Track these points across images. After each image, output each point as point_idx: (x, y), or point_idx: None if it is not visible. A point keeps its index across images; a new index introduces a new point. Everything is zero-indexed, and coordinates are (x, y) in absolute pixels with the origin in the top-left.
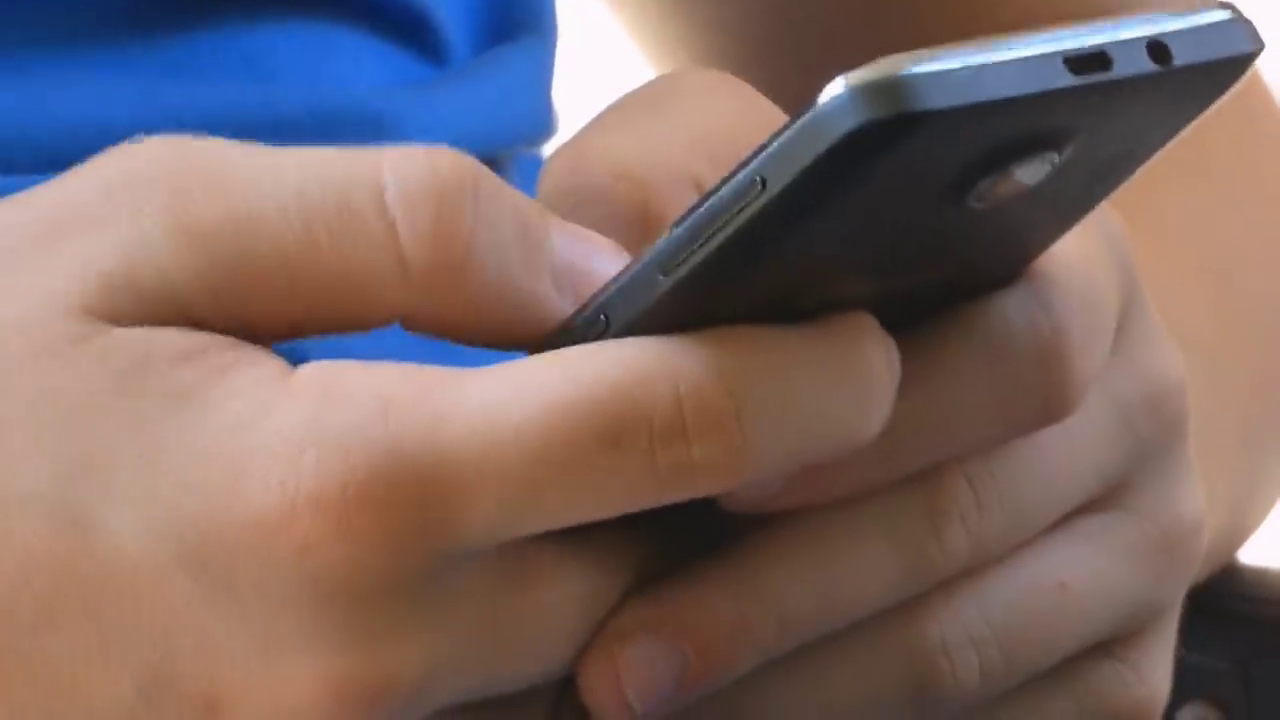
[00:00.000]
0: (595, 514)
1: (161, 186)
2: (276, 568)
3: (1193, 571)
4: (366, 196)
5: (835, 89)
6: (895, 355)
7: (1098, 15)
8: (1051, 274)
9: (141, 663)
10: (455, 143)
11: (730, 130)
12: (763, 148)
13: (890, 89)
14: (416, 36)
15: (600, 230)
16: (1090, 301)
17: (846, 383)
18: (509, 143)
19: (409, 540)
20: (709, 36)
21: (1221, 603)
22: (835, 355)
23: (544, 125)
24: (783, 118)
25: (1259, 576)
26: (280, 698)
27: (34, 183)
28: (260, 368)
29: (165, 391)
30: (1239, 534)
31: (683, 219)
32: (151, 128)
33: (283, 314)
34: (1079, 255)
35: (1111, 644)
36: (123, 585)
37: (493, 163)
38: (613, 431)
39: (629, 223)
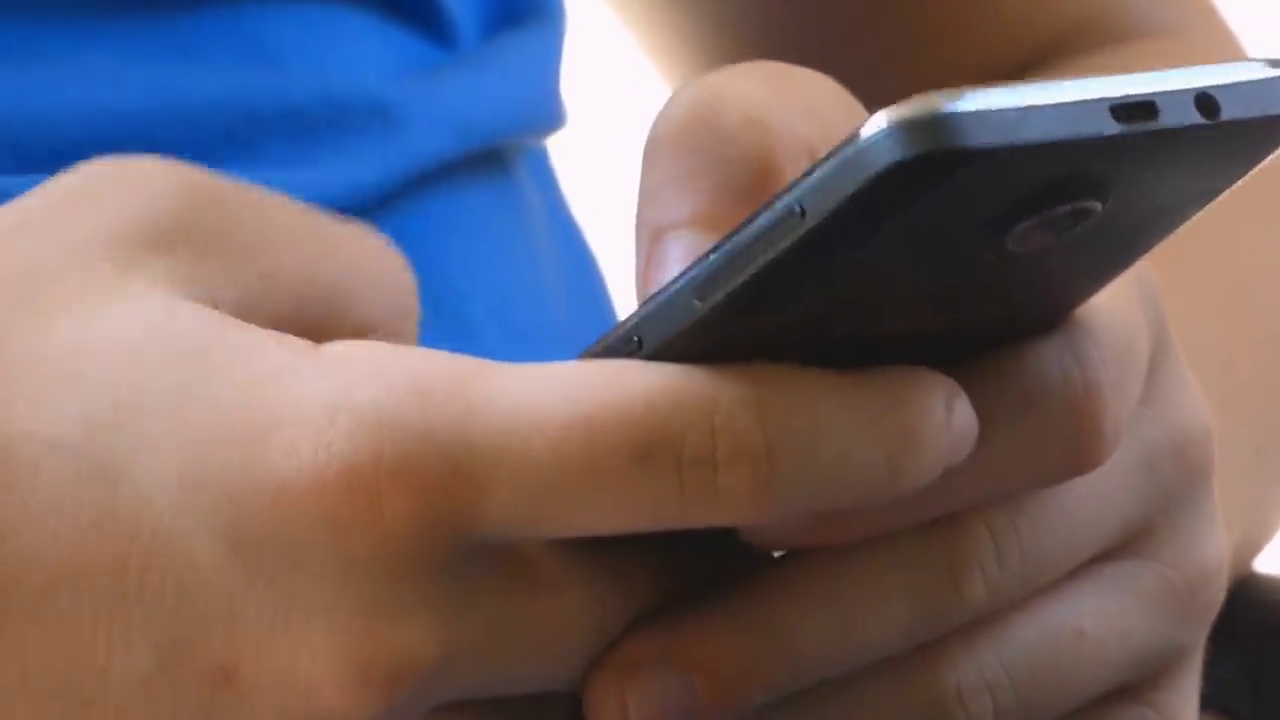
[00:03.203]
0: (617, 525)
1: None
2: (304, 537)
3: (1213, 615)
4: None
5: (878, 122)
6: (960, 416)
7: (1097, 14)
8: (1086, 324)
9: (162, 628)
10: (462, 132)
11: (840, 117)
12: (802, 178)
13: (932, 125)
14: (424, 20)
15: (716, 168)
16: (1123, 353)
17: (880, 438)
18: (516, 132)
19: (436, 525)
20: (712, 35)
21: (1230, 613)
22: (874, 408)
23: (552, 116)
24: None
25: (1268, 585)
26: (298, 672)
27: (45, 171)
28: (287, 335)
29: (196, 342)
30: (1252, 549)
31: (719, 245)
32: (159, 113)
33: None
34: (1113, 304)
35: (1137, 688)
36: (148, 542)
37: (499, 153)
38: (645, 447)
39: (748, 168)
